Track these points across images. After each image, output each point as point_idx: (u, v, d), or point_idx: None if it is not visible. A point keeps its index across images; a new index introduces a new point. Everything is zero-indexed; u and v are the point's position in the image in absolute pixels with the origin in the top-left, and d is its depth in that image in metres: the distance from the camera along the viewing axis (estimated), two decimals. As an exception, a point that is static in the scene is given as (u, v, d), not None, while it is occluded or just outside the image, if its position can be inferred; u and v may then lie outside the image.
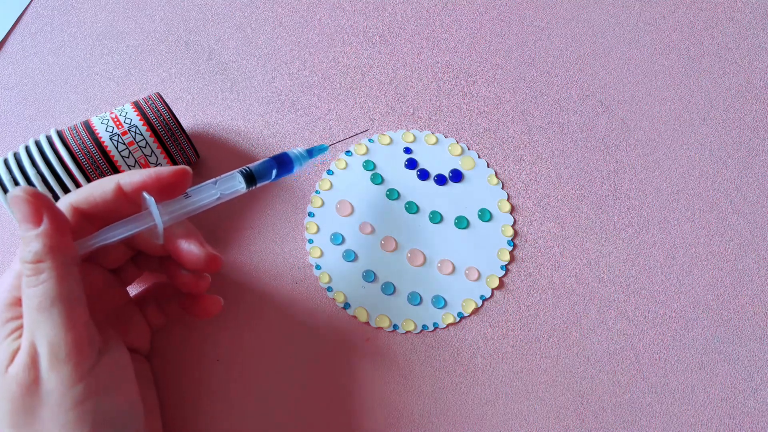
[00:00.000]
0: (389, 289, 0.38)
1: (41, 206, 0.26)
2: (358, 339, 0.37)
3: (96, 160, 0.34)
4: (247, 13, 0.44)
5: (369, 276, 0.38)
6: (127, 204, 0.29)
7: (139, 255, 0.34)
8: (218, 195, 0.31)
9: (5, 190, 0.33)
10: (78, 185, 0.33)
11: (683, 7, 0.45)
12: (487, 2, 0.45)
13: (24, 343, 0.26)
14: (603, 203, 0.40)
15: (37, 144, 0.34)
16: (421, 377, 0.37)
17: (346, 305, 0.38)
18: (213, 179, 0.32)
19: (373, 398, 0.36)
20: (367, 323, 0.37)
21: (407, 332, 0.37)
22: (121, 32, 0.44)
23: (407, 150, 0.41)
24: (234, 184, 0.32)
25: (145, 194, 0.28)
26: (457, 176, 0.40)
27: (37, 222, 0.26)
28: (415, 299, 0.38)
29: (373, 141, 0.41)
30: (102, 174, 0.34)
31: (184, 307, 0.33)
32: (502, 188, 0.40)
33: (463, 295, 0.38)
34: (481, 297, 0.38)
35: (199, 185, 0.31)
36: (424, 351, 0.37)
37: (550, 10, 0.45)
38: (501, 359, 0.37)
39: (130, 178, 0.29)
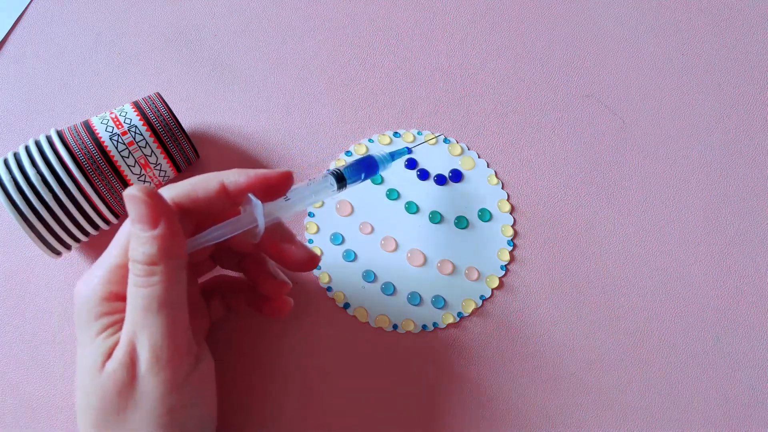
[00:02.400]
0: (389, 289, 0.38)
1: (159, 208, 0.26)
2: (358, 339, 0.37)
3: (96, 160, 0.34)
4: (247, 13, 0.44)
5: (369, 276, 0.38)
6: (228, 203, 0.29)
7: (219, 250, 0.34)
8: (315, 197, 0.31)
9: (5, 190, 0.33)
10: (78, 185, 0.33)
11: (683, 7, 0.45)
12: (487, 2, 0.45)
13: (123, 341, 0.26)
14: (603, 203, 0.40)
15: (37, 144, 0.34)
16: (421, 377, 0.36)
17: (346, 305, 0.38)
18: (306, 182, 0.32)
19: (372, 398, 0.36)
20: (367, 323, 0.37)
21: (407, 332, 0.37)
22: (121, 32, 0.44)
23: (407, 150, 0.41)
24: (327, 186, 0.32)
25: (252, 196, 0.28)
26: (457, 176, 0.40)
27: (154, 224, 0.26)
28: (415, 299, 0.38)
29: (373, 141, 0.41)
30: (102, 174, 0.34)
31: (253, 304, 0.33)
32: (502, 188, 0.40)
33: (463, 295, 0.38)
34: (481, 297, 0.38)
35: (294, 187, 0.31)
36: (424, 351, 0.37)
37: (550, 10, 0.45)
38: (501, 359, 0.37)
39: (235, 178, 0.28)
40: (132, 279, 0.26)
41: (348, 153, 0.41)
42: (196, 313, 0.32)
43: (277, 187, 0.29)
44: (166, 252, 0.26)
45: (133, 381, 0.26)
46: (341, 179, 0.33)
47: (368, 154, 0.35)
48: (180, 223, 0.27)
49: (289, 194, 0.30)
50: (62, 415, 0.36)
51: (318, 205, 0.40)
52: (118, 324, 0.27)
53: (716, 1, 0.45)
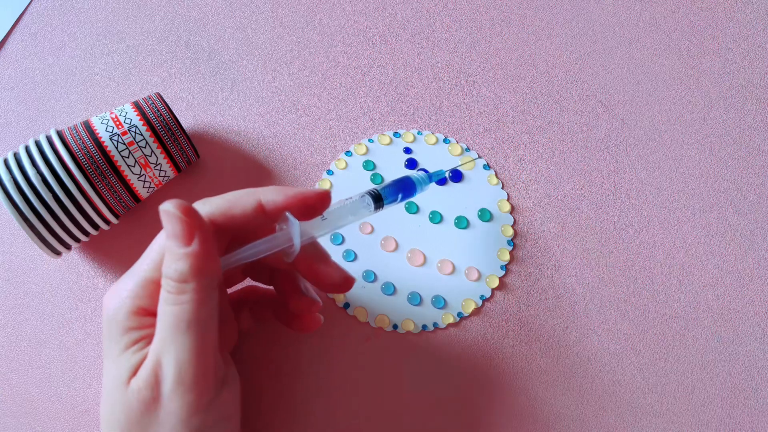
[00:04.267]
0: (389, 289, 0.38)
1: (194, 226, 0.25)
2: (358, 339, 0.37)
3: (96, 160, 0.34)
4: (247, 13, 0.44)
5: (369, 276, 0.38)
6: (264, 221, 0.28)
7: (251, 265, 0.33)
8: (351, 217, 0.31)
9: (5, 190, 0.33)
10: (78, 185, 0.33)
11: (683, 7, 0.45)
12: (487, 2, 0.45)
13: (150, 358, 0.26)
14: (603, 203, 0.40)
15: (37, 144, 0.34)
16: (421, 377, 0.36)
17: (346, 305, 0.38)
18: (342, 201, 0.31)
19: (372, 398, 0.36)
20: (367, 323, 0.37)
21: (407, 332, 0.37)
22: (121, 32, 0.44)
23: (407, 150, 0.41)
24: (364, 205, 0.32)
25: (289, 215, 0.28)
26: (457, 176, 0.40)
27: (188, 241, 0.25)
28: (415, 299, 0.38)
29: (373, 141, 0.41)
30: (102, 174, 0.34)
31: (281, 317, 0.33)
32: (502, 188, 0.40)
33: (463, 295, 0.38)
34: (481, 297, 0.38)
35: (331, 207, 0.30)
36: (424, 351, 0.37)
37: (550, 10, 0.44)
38: (501, 359, 0.37)
39: (273, 196, 0.28)
40: (163, 295, 0.26)
41: (348, 153, 0.41)
42: (224, 325, 0.31)
43: (314, 207, 0.28)
44: (199, 270, 0.25)
45: (157, 400, 0.25)
46: (378, 199, 0.32)
47: (406, 175, 0.34)
48: (214, 240, 0.26)
49: (325, 213, 0.30)
50: (63, 416, 0.36)
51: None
52: (145, 339, 0.27)
53: (716, 1, 0.45)
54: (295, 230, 0.27)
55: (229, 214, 0.28)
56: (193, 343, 0.25)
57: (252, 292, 0.35)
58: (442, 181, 0.40)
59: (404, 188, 0.33)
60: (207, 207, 0.28)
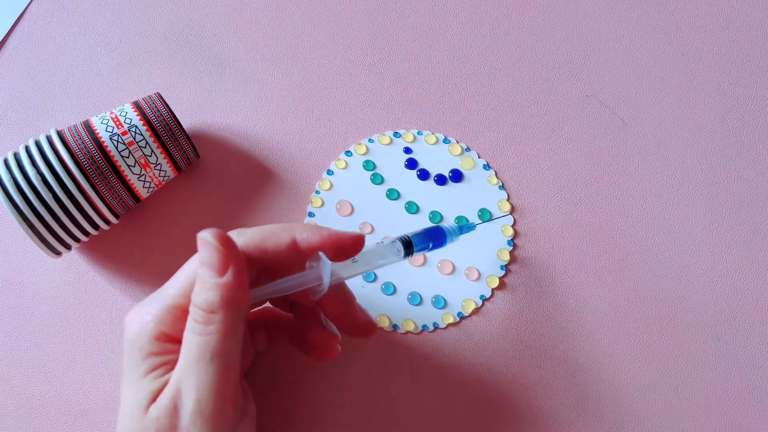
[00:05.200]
0: (389, 289, 0.38)
1: (230, 257, 0.25)
2: (358, 339, 0.37)
3: (96, 160, 0.34)
4: (247, 13, 0.44)
5: (369, 276, 0.38)
6: (296, 258, 0.28)
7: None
8: (381, 261, 0.31)
9: (5, 190, 0.33)
10: (78, 185, 0.33)
11: (683, 7, 0.45)
12: (487, 2, 0.45)
13: (171, 386, 0.26)
14: (603, 203, 0.40)
15: (37, 144, 0.34)
16: (421, 377, 0.36)
17: (346, 305, 0.38)
18: (375, 245, 0.31)
19: (373, 398, 0.36)
20: (367, 323, 0.37)
21: (407, 332, 0.37)
22: (121, 32, 0.43)
23: (407, 150, 0.41)
24: (394, 251, 0.32)
25: (322, 255, 0.28)
26: (457, 176, 0.40)
27: (222, 272, 0.25)
28: (415, 299, 0.38)
29: (373, 141, 0.41)
30: (102, 174, 0.34)
31: (297, 343, 0.33)
32: (502, 188, 0.40)
33: (463, 295, 0.38)
34: (481, 297, 0.38)
35: (363, 250, 0.30)
36: (424, 351, 0.37)
37: (550, 10, 0.44)
38: (501, 359, 0.37)
39: (308, 236, 0.28)
40: (190, 324, 0.26)
41: (348, 153, 0.41)
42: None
43: (348, 250, 0.29)
44: (229, 302, 0.25)
45: (174, 429, 0.25)
46: (409, 246, 0.32)
47: (439, 225, 0.35)
48: (247, 272, 0.26)
49: (358, 257, 0.30)
50: (63, 416, 0.36)
51: (318, 204, 0.40)
52: (166, 365, 0.27)
53: (716, 1, 0.45)
54: (326, 270, 0.27)
55: (263, 248, 0.28)
56: (216, 374, 0.25)
57: (269, 313, 0.34)
58: (442, 181, 0.40)
59: (435, 237, 0.33)
60: (242, 238, 0.28)
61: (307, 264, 0.29)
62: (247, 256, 0.28)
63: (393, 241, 0.32)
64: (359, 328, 0.30)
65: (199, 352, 0.25)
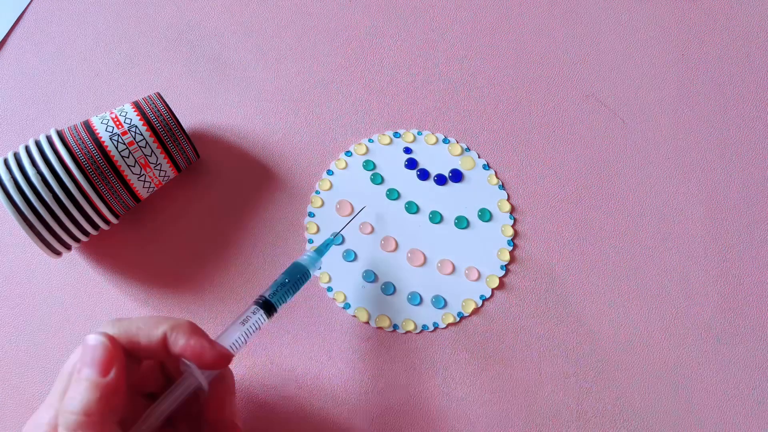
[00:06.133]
0: (389, 289, 0.38)
1: (114, 358, 0.26)
2: (358, 339, 0.37)
3: (96, 160, 0.34)
4: (247, 13, 0.44)
5: (369, 276, 0.38)
6: (166, 354, 0.28)
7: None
8: (245, 341, 0.31)
9: (5, 190, 0.33)
10: (78, 185, 0.33)
11: (683, 7, 0.45)
12: (487, 3, 0.45)
13: None
14: (603, 203, 0.40)
15: (37, 144, 0.34)
16: (421, 377, 0.36)
17: (346, 305, 0.38)
18: (236, 321, 0.31)
19: (373, 398, 0.36)
20: (367, 323, 0.37)
21: (407, 332, 0.37)
22: (121, 32, 0.43)
23: (407, 150, 0.41)
24: (256, 319, 0.31)
25: (186, 362, 0.27)
26: (457, 176, 0.40)
27: (104, 372, 0.25)
28: (415, 299, 0.38)
29: (373, 141, 0.41)
30: (102, 174, 0.34)
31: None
32: (502, 188, 0.40)
33: (463, 295, 0.38)
34: (481, 297, 0.38)
35: (226, 332, 0.30)
36: (424, 351, 0.37)
37: (550, 10, 0.44)
38: (501, 359, 0.37)
39: (177, 338, 0.27)
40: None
41: (348, 153, 0.41)
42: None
43: (209, 366, 0.28)
44: (107, 404, 0.25)
45: None
46: (269, 308, 0.32)
47: (294, 261, 0.34)
48: (114, 350, 0.26)
49: (220, 338, 0.30)
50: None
51: (318, 204, 0.40)
52: None
53: (716, 2, 0.45)
54: (197, 372, 0.28)
55: (135, 341, 0.27)
56: None
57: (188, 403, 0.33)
58: (442, 181, 0.40)
59: (295, 280, 0.33)
60: (113, 328, 0.28)
61: (180, 363, 0.28)
62: (121, 347, 0.27)
63: (254, 311, 0.32)
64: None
65: None
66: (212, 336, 0.29)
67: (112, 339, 0.26)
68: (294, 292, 0.34)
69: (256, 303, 0.32)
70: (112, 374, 0.25)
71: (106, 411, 0.25)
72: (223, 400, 0.29)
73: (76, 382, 0.25)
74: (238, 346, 0.30)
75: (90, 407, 0.25)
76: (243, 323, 0.31)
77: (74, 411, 0.25)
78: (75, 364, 0.27)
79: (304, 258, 0.35)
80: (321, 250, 0.36)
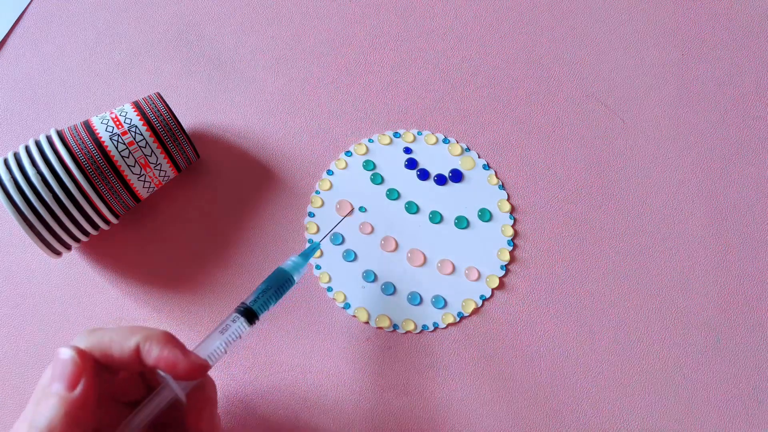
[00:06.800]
0: (389, 289, 0.38)
1: (82, 373, 0.26)
2: (358, 339, 0.37)
3: (96, 160, 0.34)
4: (247, 12, 0.44)
5: (369, 276, 0.38)
6: (141, 366, 0.28)
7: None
8: (225, 350, 0.30)
9: (5, 190, 0.33)
10: (78, 185, 0.33)
11: (683, 7, 0.45)
12: (487, 3, 0.45)
13: None
14: (603, 203, 0.40)
15: (37, 144, 0.34)
16: (421, 377, 0.36)
17: (346, 305, 0.38)
18: (216, 330, 0.31)
19: (373, 397, 0.36)
20: (367, 323, 0.37)
21: (407, 332, 0.37)
22: (121, 32, 0.43)
23: (407, 150, 0.41)
24: (236, 328, 0.31)
25: (161, 372, 0.27)
26: (457, 176, 0.40)
27: (71, 387, 0.25)
28: (415, 299, 0.38)
29: (373, 141, 0.41)
30: (102, 174, 0.34)
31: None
32: (502, 188, 0.40)
33: (463, 295, 0.38)
34: (481, 297, 0.38)
35: (206, 341, 0.30)
36: (424, 351, 0.37)
37: (550, 10, 0.44)
38: (501, 359, 0.37)
39: (150, 348, 0.27)
40: None
41: (348, 153, 0.41)
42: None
43: (183, 378, 0.28)
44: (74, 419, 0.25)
45: None
46: (250, 315, 0.32)
47: (277, 267, 0.34)
48: (84, 364, 0.26)
49: (198, 352, 0.29)
50: (62, 415, 0.35)
51: (318, 204, 0.40)
52: None
53: (716, 2, 0.45)
54: (173, 383, 0.27)
55: (108, 353, 0.27)
56: None
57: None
58: (442, 181, 0.40)
59: (278, 286, 0.33)
60: (86, 341, 0.27)
61: (156, 374, 0.28)
62: (93, 359, 0.27)
63: (233, 319, 0.31)
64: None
65: None
66: (191, 345, 0.29)
67: (81, 353, 0.26)
68: (277, 299, 0.33)
69: (237, 310, 0.32)
70: (78, 389, 0.25)
71: (71, 426, 0.25)
72: (201, 411, 0.29)
73: (44, 397, 0.26)
74: (216, 356, 0.30)
75: (54, 423, 0.25)
76: (222, 332, 0.30)
77: (39, 427, 0.25)
78: (49, 377, 0.27)
79: (287, 263, 0.34)
80: (306, 255, 0.35)
